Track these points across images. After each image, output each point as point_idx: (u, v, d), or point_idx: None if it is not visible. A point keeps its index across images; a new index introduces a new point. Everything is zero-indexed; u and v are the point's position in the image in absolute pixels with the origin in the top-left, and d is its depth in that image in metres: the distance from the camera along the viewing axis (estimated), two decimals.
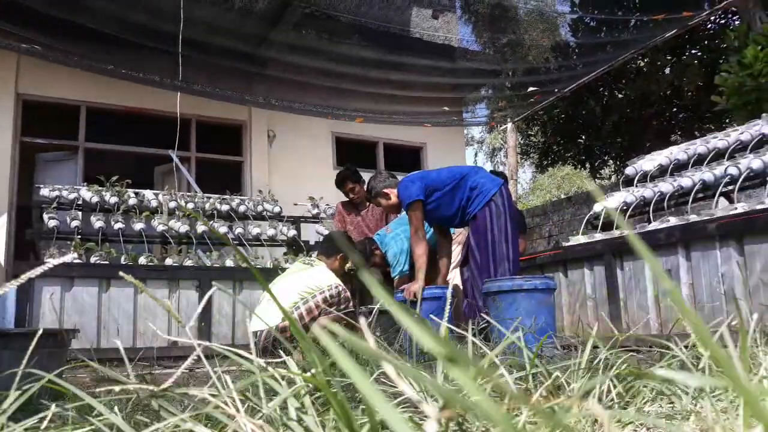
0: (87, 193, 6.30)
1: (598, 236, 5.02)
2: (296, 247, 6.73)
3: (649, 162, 5.59)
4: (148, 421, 0.83)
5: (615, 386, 0.98)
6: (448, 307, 4.34)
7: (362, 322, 0.63)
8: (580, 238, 5.21)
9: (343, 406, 0.53)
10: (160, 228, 6.18)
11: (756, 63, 7.14)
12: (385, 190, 4.70)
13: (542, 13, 9.35)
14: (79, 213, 6.12)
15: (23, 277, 0.88)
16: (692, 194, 4.68)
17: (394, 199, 4.69)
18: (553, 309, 3.63)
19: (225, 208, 6.74)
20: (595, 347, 1.28)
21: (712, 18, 10.27)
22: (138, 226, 6.12)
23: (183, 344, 5.13)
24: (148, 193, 6.62)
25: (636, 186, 5.39)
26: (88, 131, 8.81)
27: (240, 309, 5.40)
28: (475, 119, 11.76)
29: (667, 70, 11.54)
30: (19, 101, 8.36)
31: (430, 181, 4.54)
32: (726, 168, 4.57)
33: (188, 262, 5.77)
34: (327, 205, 7.34)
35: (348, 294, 4.41)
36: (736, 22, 10.80)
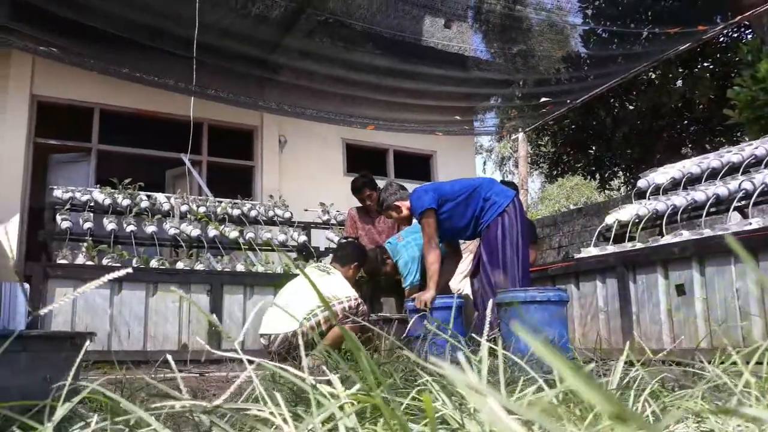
0: (100, 195, 6.33)
1: (610, 248, 5.01)
2: (306, 253, 6.74)
3: (661, 175, 5.58)
4: None
5: (650, 404, 0.98)
6: (455, 316, 4.31)
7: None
8: (591, 250, 5.20)
9: (405, 428, 0.54)
10: (172, 231, 6.20)
11: None
12: (397, 203, 4.69)
13: (554, 24, 9.38)
14: (92, 215, 6.15)
15: (90, 285, 0.89)
16: (706, 208, 4.67)
17: (405, 211, 4.68)
18: (566, 321, 3.63)
19: (236, 212, 6.76)
20: (615, 362, 1.28)
21: (725, 31, 10.26)
22: (150, 229, 6.14)
23: (193, 348, 5.14)
24: (160, 197, 6.65)
25: (648, 199, 5.38)
26: (101, 133, 8.88)
27: (251, 313, 5.41)
28: (486, 128, 11.77)
29: (679, 83, 11.52)
30: (33, 102, 8.43)
31: (443, 191, 4.54)
32: (740, 183, 4.55)
33: (199, 266, 5.79)
34: (337, 211, 7.36)
35: (365, 308, 4.42)
36: (749, 36, 10.79)
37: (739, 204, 4.55)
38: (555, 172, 14.05)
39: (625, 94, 12.19)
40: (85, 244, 5.77)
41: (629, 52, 8.74)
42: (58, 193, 6.26)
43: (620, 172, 13.85)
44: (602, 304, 4.63)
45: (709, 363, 1.58)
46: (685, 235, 4.36)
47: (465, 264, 5.33)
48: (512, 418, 0.41)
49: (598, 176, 13.52)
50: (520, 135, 9.50)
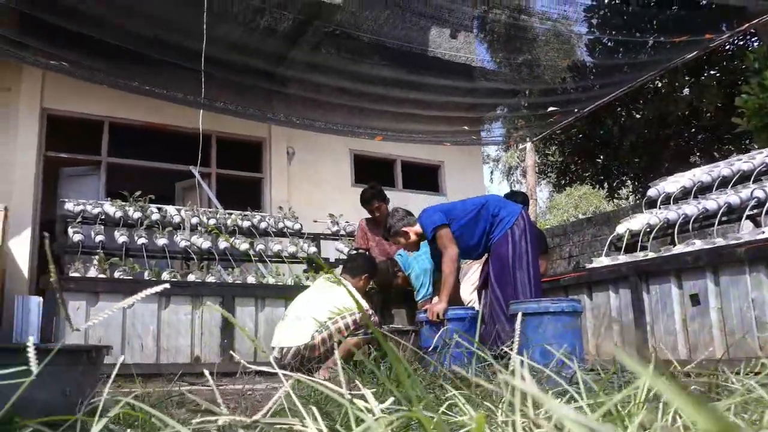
0: (110, 208, 6.36)
1: (622, 258, 5.00)
2: (316, 265, 6.75)
3: (672, 184, 5.57)
4: None
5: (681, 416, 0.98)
6: (468, 328, 4.30)
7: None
8: (603, 260, 5.18)
9: None
10: (183, 244, 6.22)
11: None
12: (404, 229, 4.68)
13: (559, 33, 9.41)
14: (103, 227, 6.18)
15: (130, 300, 0.90)
16: (718, 217, 4.65)
17: (413, 237, 4.68)
18: (580, 332, 3.61)
19: (246, 224, 6.78)
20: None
21: (731, 39, 10.27)
22: (161, 241, 6.17)
23: (205, 361, 5.15)
24: (170, 209, 6.68)
25: (659, 208, 5.37)
26: (110, 146, 8.94)
27: (263, 326, 5.42)
28: (493, 138, 11.79)
29: (686, 91, 11.52)
30: (44, 116, 8.50)
31: (451, 211, 4.55)
32: (752, 191, 4.54)
33: (210, 278, 5.80)
34: (347, 222, 7.37)
35: (376, 319, 4.42)
36: (756, 44, 10.79)
37: (752, 213, 4.53)
38: (563, 182, 14.04)
39: (631, 103, 12.19)
40: (97, 256, 5.80)
41: (635, 61, 8.75)
42: (69, 206, 6.30)
43: (628, 181, 13.84)
44: (616, 315, 4.61)
45: (735, 374, 1.57)
46: (698, 244, 4.35)
47: (476, 275, 5.33)
48: None
49: (606, 185, 13.50)
50: (528, 144, 9.51)
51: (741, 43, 11.33)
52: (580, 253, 9.26)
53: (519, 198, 5.86)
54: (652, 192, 5.69)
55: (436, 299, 4.58)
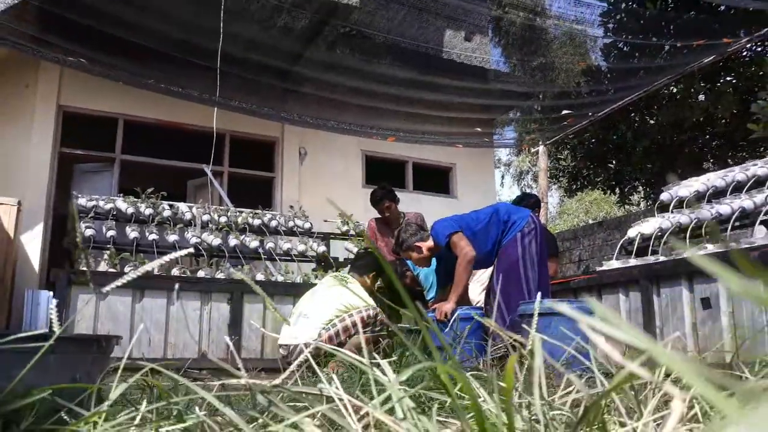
0: (123, 204, 6.41)
1: (633, 262, 4.96)
2: (325, 264, 6.76)
3: (685, 188, 5.52)
4: (259, 416, 0.83)
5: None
6: (475, 328, 4.27)
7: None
8: (614, 263, 5.15)
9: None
10: (193, 240, 6.25)
11: None
12: (417, 244, 4.66)
13: (574, 37, 9.38)
14: (114, 223, 6.22)
15: (155, 263, 0.90)
16: (731, 222, 4.61)
17: (425, 252, 4.65)
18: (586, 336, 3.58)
19: (257, 222, 6.80)
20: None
21: (748, 45, 10.19)
22: (172, 237, 6.20)
23: (212, 357, 5.16)
24: (182, 206, 6.72)
25: (671, 212, 5.33)
26: (124, 143, 9.00)
27: (270, 323, 5.42)
28: (506, 141, 11.75)
29: (701, 97, 11.42)
30: (60, 112, 8.57)
31: (463, 221, 4.53)
32: (766, 196, 4.50)
33: (220, 275, 5.83)
34: (357, 222, 7.38)
35: (384, 317, 4.41)
36: None
37: (766, 218, 4.49)
38: (574, 186, 13.97)
39: (646, 108, 12.11)
40: (108, 251, 5.84)
41: (651, 65, 8.71)
42: (82, 201, 6.35)
43: (640, 187, 13.73)
44: (625, 318, 4.57)
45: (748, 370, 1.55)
46: (710, 248, 4.31)
47: (485, 276, 5.31)
48: None
49: (617, 191, 13.42)
50: (541, 148, 9.48)
51: (759, 49, 11.23)
52: (590, 257, 9.20)
53: (531, 200, 5.84)
54: (664, 196, 5.64)
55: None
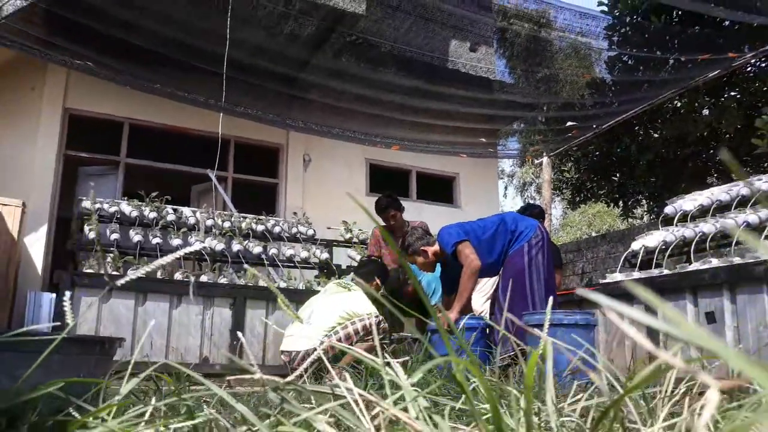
0: (127, 208, 6.41)
1: (636, 275, 4.95)
2: (328, 270, 6.76)
3: (689, 202, 5.51)
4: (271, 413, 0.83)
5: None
6: (478, 337, 4.27)
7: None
8: (617, 276, 5.14)
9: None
10: (197, 247, 6.25)
11: None
12: (423, 248, 4.66)
13: (579, 49, 9.40)
14: (119, 226, 6.23)
15: (165, 260, 0.90)
16: (736, 236, 4.60)
17: (431, 256, 4.65)
18: (593, 345, 3.58)
19: (260, 228, 6.80)
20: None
21: (753, 61, 10.20)
22: (175, 242, 6.20)
23: (214, 361, 5.16)
24: (186, 210, 6.72)
25: (676, 225, 5.32)
26: (129, 147, 9.03)
27: (272, 329, 5.41)
28: (510, 152, 11.77)
29: (705, 112, 11.43)
30: (65, 115, 8.61)
31: (469, 230, 4.53)
32: None
33: (222, 280, 5.83)
34: (360, 230, 7.38)
35: (386, 325, 4.40)
36: None
37: None
38: (578, 199, 13.96)
39: (650, 122, 12.12)
40: (111, 254, 5.84)
41: (655, 79, 8.73)
42: (86, 204, 6.36)
43: (644, 200, 13.72)
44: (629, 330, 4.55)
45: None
46: (714, 262, 4.30)
47: (488, 286, 5.30)
48: None
49: (621, 203, 13.40)
50: (545, 159, 9.48)
51: (764, 65, 11.25)
52: (593, 269, 9.19)
53: (535, 210, 5.84)
54: (668, 209, 5.63)
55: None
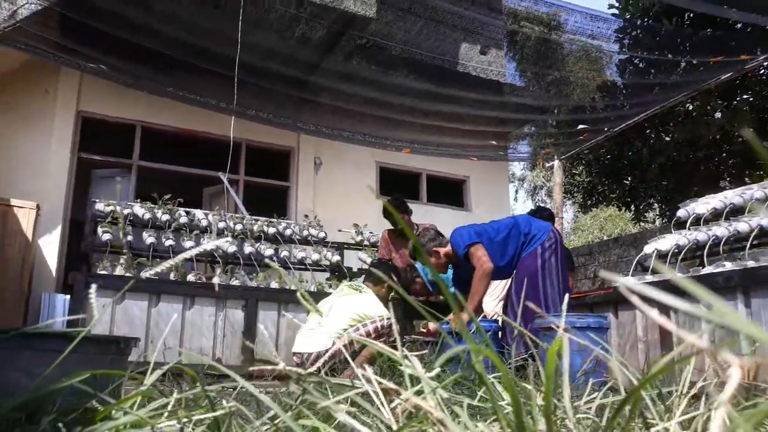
0: (140, 210, 6.46)
1: (649, 278, 4.92)
2: (339, 273, 6.78)
3: (702, 205, 5.48)
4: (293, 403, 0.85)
5: None
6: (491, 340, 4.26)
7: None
8: (630, 280, 5.11)
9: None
10: (209, 247, 6.29)
11: None
12: (435, 249, 4.66)
13: (589, 52, 9.38)
14: (131, 228, 6.28)
15: (181, 257, 0.92)
16: (750, 240, 4.57)
17: (443, 257, 4.65)
18: (606, 348, 3.56)
19: (272, 231, 6.83)
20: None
21: (765, 64, 10.15)
22: (188, 244, 6.24)
23: (226, 363, 5.17)
24: (198, 213, 6.76)
25: (688, 229, 5.29)
26: (141, 150, 9.10)
27: (284, 330, 5.44)
28: (521, 155, 11.75)
29: (718, 115, 11.37)
30: (79, 118, 8.69)
31: (482, 232, 4.52)
32: None
33: (234, 282, 5.86)
34: (370, 232, 7.39)
35: (398, 328, 4.40)
36: None
37: None
38: (589, 202, 13.91)
39: (661, 125, 12.07)
40: (125, 256, 5.89)
41: (667, 81, 8.69)
42: (100, 206, 6.41)
43: (655, 204, 13.65)
44: (641, 334, 4.54)
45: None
46: (728, 266, 4.27)
47: (499, 288, 5.30)
48: None
49: (633, 207, 13.34)
50: (556, 162, 9.46)
51: None
52: None
53: (545, 213, 5.83)
54: (681, 213, 5.59)
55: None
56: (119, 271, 5.57)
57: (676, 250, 5.11)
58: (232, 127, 6.98)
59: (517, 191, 26.92)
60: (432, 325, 4.40)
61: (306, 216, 7.75)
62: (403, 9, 7.37)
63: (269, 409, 0.95)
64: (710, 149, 11.66)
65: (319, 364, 4.06)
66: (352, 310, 4.30)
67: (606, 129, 8.76)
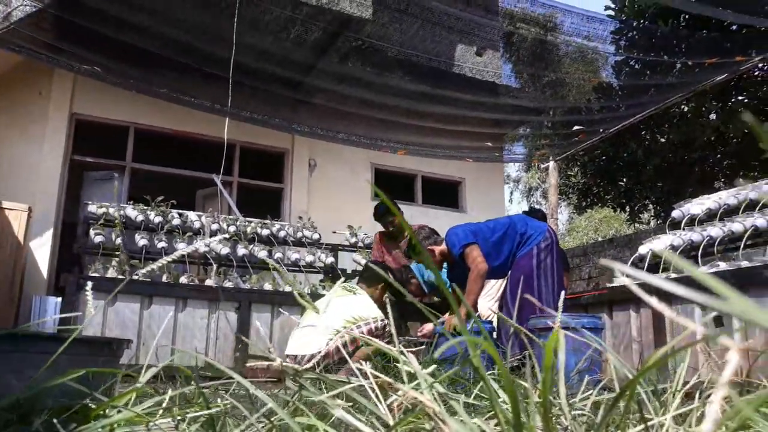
0: (132, 212, 6.42)
1: (644, 278, 4.91)
2: (333, 275, 6.75)
3: (697, 206, 5.48)
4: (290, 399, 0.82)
5: None
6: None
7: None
8: (624, 280, 5.11)
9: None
10: (202, 249, 6.25)
11: None
12: (430, 247, 4.65)
13: (585, 54, 9.39)
14: (124, 230, 6.23)
15: (191, 248, 0.89)
16: (744, 240, 4.56)
17: (438, 256, 4.64)
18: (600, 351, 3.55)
19: (265, 232, 6.80)
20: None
21: (760, 65, 10.18)
22: (181, 245, 6.20)
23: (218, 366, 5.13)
24: (191, 215, 6.72)
25: (683, 229, 5.28)
26: (135, 152, 9.05)
27: (277, 332, 5.41)
28: (516, 156, 11.76)
29: (713, 116, 11.40)
30: (72, 120, 8.64)
31: (478, 231, 4.51)
32: None
33: (228, 284, 5.82)
34: (365, 234, 7.37)
35: (392, 329, 4.38)
36: None
37: None
38: (584, 203, 13.93)
39: (656, 127, 12.10)
40: (117, 258, 5.84)
41: (662, 83, 8.70)
42: (92, 208, 6.37)
43: (650, 205, 13.68)
44: (636, 335, 4.53)
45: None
46: (722, 266, 4.27)
47: (494, 290, 5.28)
48: None
49: (627, 208, 13.36)
50: (551, 164, 9.46)
51: None
52: (599, 274, 9.16)
53: (538, 215, 5.82)
54: (676, 213, 5.59)
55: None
56: (111, 273, 5.53)
57: (671, 251, 5.10)
58: (226, 128, 6.95)
59: (512, 193, 26.97)
60: (428, 326, 4.38)
61: (300, 217, 7.72)
62: (399, 10, 7.36)
63: (265, 408, 0.92)
64: (705, 150, 11.69)
65: (310, 364, 4.03)
66: (347, 311, 4.27)
67: (601, 130, 8.76)
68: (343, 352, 4.08)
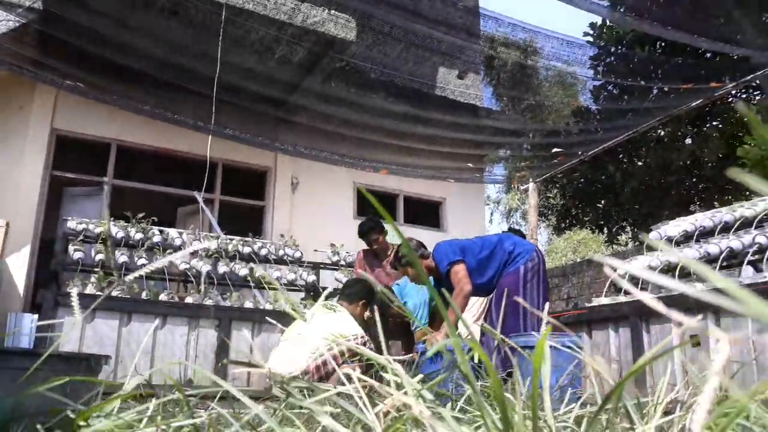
0: (113, 228, 6.37)
1: (622, 298, 4.98)
2: (314, 293, 6.74)
3: (673, 227, 5.58)
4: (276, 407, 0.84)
5: None
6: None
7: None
8: (603, 300, 5.17)
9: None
10: (182, 266, 6.22)
11: None
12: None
13: (564, 78, 9.58)
14: (103, 246, 6.18)
15: (179, 255, 0.90)
16: (719, 261, 4.66)
17: (424, 270, 4.63)
18: (579, 367, 3.58)
19: (247, 250, 6.78)
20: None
21: (733, 92, 10.44)
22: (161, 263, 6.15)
23: (198, 384, 5.08)
24: (172, 232, 6.69)
25: (660, 250, 5.38)
26: (116, 168, 8.99)
27: (258, 351, 5.37)
28: (496, 177, 11.89)
29: (688, 141, 11.65)
30: (53, 136, 8.57)
31: (466, 248, 4.52)
32: (754, 236, 4.56)
33: (208, 302, 5.79)
34: (347, 252, 7.38)
35: (373, 346, 4.37)
36: (758, 96, 10.97)
37: (753, 258, 4.54)
38: (563, 225, 14.08)
39: (634, 150, 12.33)
40: (96, 275, 5.79)
41: (639, 107, 8.89)
42: (71, 224, 6.31)
43: (628, 227, 13.87)
44: (615, 354, 4.58)
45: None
46: (699, 287, 4.34)
47: (476, 307, 5.31)
48: None
49: (606, 230, 13.54)
50: (530, 185, 9.58)
51: (744, 95, 11.51)
52: (578, 294, 9.25)
53: (517, 235, 5.88)
54: (653, 235, 5.70)
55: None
56: (90, 290, 5.47)
57: (650, 270, 5.18)
58: (209, 146, 6.95)
59: (492, 213, 27.16)
60: (439, 337, 4.36)
61: (282, 235, 7.72)
62: (382, 33, 7.47)
63: (249, 415, 0.94)
64: (681, 174, 11.92)
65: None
66: (326, 329, 4.26)
67: (580, 153, 8.91)
68: (322, 370, 4.07)
